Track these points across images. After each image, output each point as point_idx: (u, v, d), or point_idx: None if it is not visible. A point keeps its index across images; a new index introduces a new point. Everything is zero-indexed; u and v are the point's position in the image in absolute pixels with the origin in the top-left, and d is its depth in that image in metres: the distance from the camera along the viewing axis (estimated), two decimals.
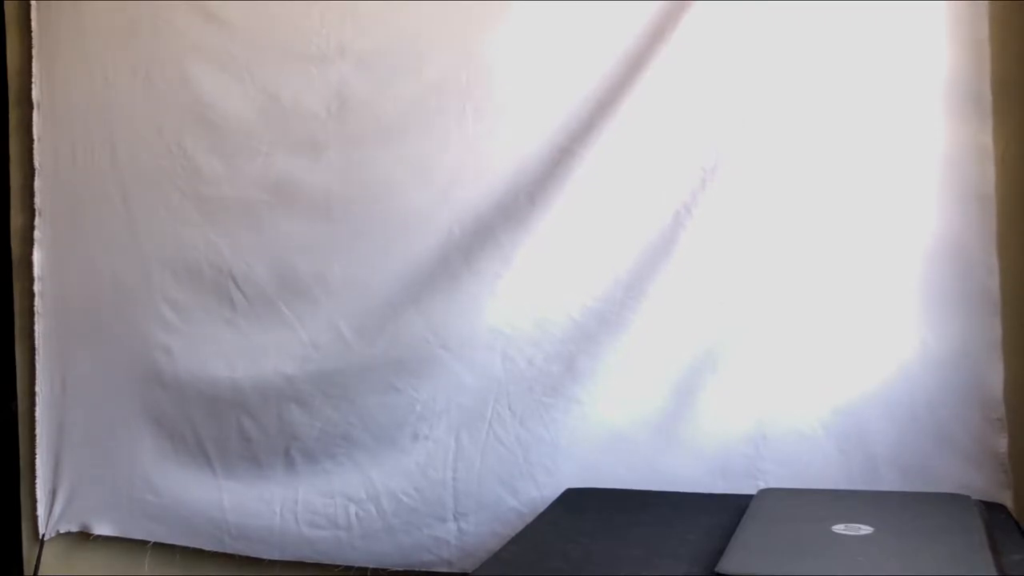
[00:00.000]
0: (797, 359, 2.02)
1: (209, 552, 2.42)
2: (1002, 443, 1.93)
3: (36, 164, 2.52)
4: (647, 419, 2.10)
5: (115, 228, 2.44)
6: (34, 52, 2.52)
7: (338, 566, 2.32)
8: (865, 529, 1.58)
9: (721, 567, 1.46)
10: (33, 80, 2.51)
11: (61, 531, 2.55)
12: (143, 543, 2.47)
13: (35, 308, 2.53)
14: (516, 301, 2.16)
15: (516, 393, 2.17)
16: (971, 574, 1.39)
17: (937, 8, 1.94)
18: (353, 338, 2.26)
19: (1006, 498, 1.92)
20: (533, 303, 2.15)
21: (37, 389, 2.54)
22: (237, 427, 2.36)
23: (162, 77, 2.40)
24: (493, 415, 2.19)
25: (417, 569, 2.25)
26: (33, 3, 2.52)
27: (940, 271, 1.95)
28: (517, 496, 2.17)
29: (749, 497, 1.83)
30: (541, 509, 2.00)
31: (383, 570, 2.29)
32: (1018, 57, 1.93)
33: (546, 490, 2.13)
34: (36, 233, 2.52)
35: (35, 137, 2.52)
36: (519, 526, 1.92)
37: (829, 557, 1.49)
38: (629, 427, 2.11)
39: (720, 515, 1.77)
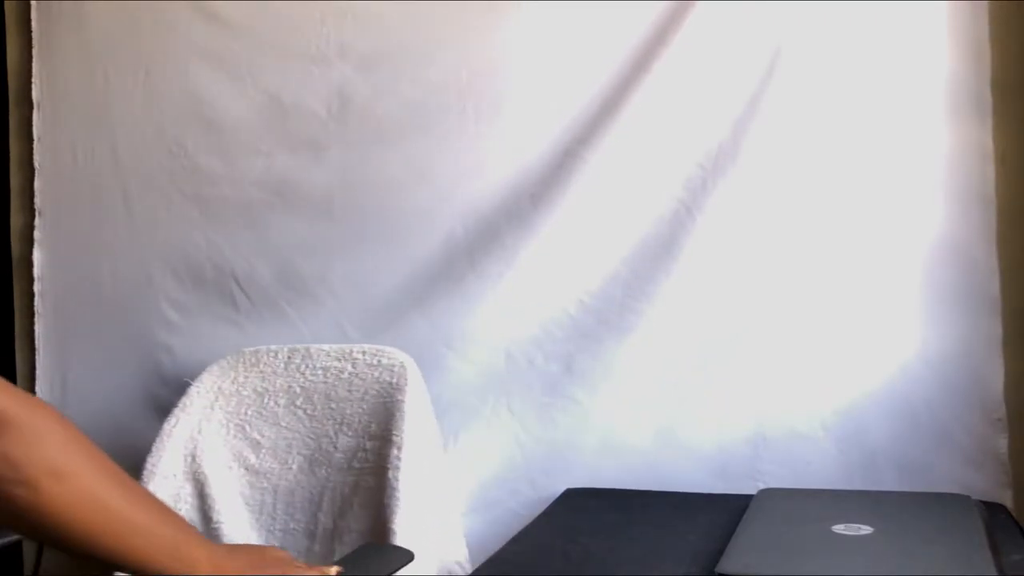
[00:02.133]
0: (797, 359, 2.02)
1: None
2: (1002, 443, 1.93)
3: (36, 164, 2.51)
4: (646, 419, 2.10)
5: (115, 228, 2.43)
6: (34, 52, 2.50)
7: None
8: (865, 529, 1.58)
9: (721, 567, 1.46)
10: (33, 80, 2.50)
11: None
12: None
13: (35, 308, 2.52)
14: (518, 301, 2.15)
15: (517, 392, 2.16)
16: (971, 574, 1.39)
17: (937, 8, 1.94)
18: (358, 337, 2.26)
19: (1006, 498, 1.92)
20: (535, 302, 2.15)
21: (37, 389, 2.52)
22: None
23: (162, 77, 2.39)
24: (493, 414, 2.18)
25: None
26: (33, 3, 2.51)
27: (940, 271, 1.95)
28: (516, 496, 2.17)
29: (749, 497, 1.83)
30: (540, 509, 2.00)
31: None
32: (1018, 57, 1.93)
33: (545, 491, 2.12)
34: (36, 233, 2.51)
35: (35, 137, 2.50)
36: (518, 526, 1.92)
37: (829, 557, 1.49)
38: (628, 427, 2.11)
39: (720, 515, 1.77)
